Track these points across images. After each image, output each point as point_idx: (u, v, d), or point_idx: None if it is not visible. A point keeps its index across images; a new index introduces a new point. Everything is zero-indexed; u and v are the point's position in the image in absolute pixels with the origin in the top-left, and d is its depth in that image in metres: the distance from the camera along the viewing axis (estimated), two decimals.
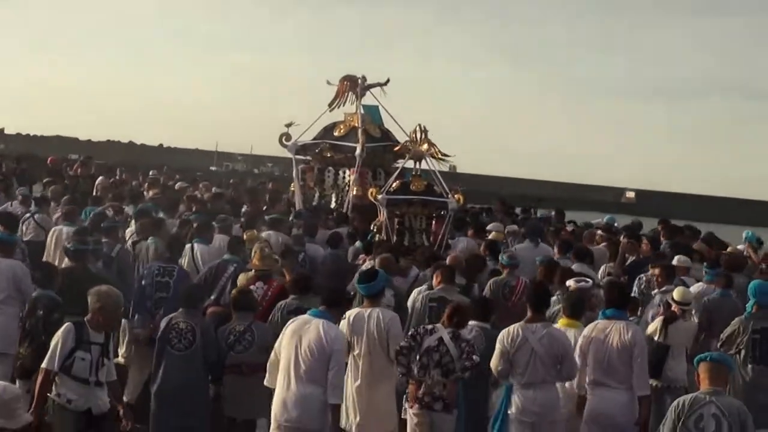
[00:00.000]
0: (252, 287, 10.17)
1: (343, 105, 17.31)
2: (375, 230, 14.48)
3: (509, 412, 8.49)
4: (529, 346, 8.35)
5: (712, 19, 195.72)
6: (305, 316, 8.22)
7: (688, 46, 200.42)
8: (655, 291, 11.40)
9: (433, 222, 14.48)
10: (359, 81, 17.18)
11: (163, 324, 9.16)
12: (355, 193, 16.48)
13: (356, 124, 17.00)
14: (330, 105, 17.16)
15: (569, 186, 75.68)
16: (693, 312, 10.46)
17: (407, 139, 14.96)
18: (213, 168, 58.79)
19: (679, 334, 10.00)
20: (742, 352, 9.75)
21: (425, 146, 14.51)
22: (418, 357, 8.41)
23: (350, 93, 17.19)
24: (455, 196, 14.50)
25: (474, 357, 8.43)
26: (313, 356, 7.91)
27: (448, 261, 11.59)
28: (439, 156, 14.65)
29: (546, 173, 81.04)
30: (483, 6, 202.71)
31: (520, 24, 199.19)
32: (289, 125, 17.18)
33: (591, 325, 8.74)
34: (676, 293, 10.24)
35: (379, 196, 14.28)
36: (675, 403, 7.00)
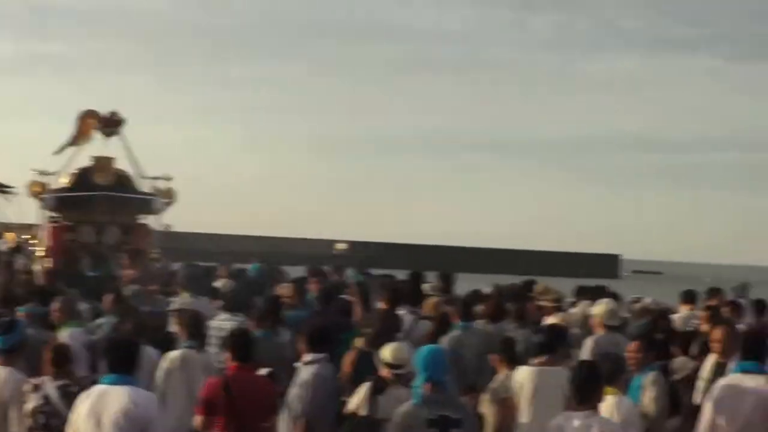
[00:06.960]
0: None
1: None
2: None
3: None
4: None
5: (425, 76, 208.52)
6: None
7: (395, 101, 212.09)
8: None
9: None
10: (111, 117, 15.99)
11: None
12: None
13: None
14: (62, 147, 15.73)
15: (281, 240, 76.86)
16: None
17: None
18: None
19: (395, 405, 7.03)
20: None
21: None
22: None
23: (96, 131, 15.95)
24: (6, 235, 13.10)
25: None
26: None
27: None
28: (3, 189, 13.68)
29: (260, 229, 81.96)
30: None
31: (229, 84, 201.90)
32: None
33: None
34: (388, 352, 7.64)
35: None
36: None
